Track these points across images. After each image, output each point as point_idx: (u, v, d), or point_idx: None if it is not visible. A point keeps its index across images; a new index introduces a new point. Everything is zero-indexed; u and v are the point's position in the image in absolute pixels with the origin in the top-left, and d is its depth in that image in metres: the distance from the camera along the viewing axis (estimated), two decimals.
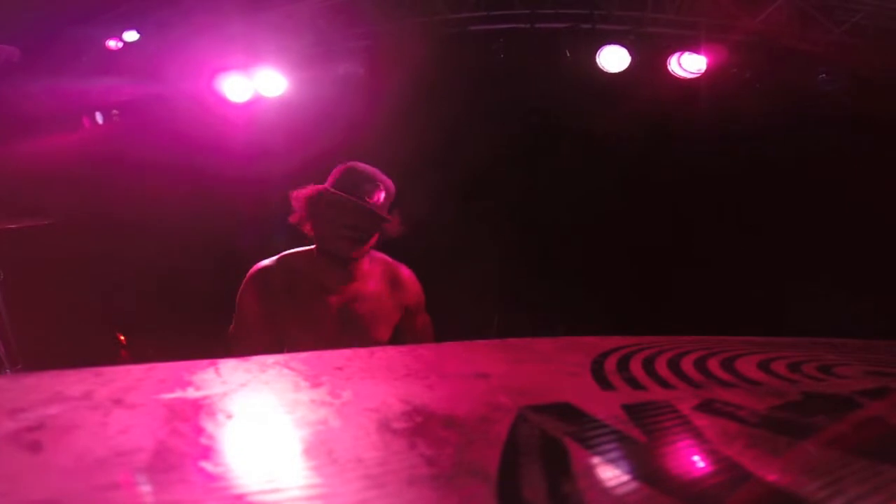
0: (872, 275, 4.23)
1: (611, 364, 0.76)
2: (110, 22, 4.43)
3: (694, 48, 4.40)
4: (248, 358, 0.74)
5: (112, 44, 4.48)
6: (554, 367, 0.79)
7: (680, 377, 0.73)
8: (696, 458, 0.53)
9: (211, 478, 0.44)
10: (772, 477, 0.48)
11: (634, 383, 0.70)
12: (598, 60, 4.50)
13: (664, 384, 0.70)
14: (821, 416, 0.63)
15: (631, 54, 4.46)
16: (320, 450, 0.49)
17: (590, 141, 4.84)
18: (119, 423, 0.52)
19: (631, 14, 4.54)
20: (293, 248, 1.98)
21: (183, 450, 0.48)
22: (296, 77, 4.54)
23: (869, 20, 4.30)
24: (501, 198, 5.12)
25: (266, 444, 0.52)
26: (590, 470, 0.48)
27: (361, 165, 1.93)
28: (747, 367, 0.80)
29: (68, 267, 4.25)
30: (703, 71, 4.42)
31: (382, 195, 1.87)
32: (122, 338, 4.58)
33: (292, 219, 1.94)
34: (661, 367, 0.76)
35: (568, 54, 4.59)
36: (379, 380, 0.70)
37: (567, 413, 0.59)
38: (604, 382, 0.70)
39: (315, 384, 0.65)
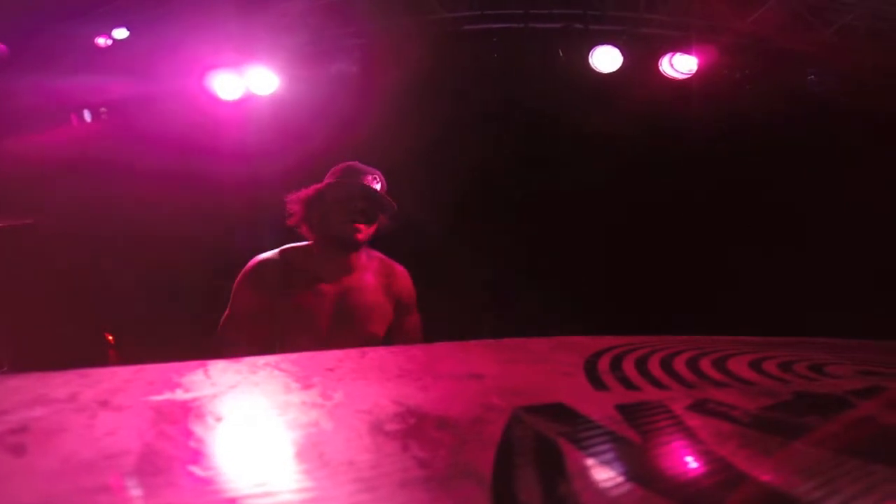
0: (866, 272, 4.27)
1: (604, 364, 0.76)
2: (100, 19, 4.39)
3: (685, 49, 4.42)
4: (239, 359, 0.73)
5: (101, 41, 4.43)
6: (547, 368, 0.79)
7: (673, 377, 0.73)
8: (690, 458, 0.53)
9: (199, 481, 0.43)
10: (766, 477, 0.48)
11: (628, 383, 0.70)
12: (590, 61, 4.51)
13: (657, 384, 0.70)
14: (813, 415, 0.63)
15: (623, 55, 4.48)
16: (311, 452, 0.48)
17: (583, 141, 4.86)
18: (105, 426, 0.52)
19: (624, 15, 4.55)
20: (291, 243, 2.01)
21: (171, 453, 0.47)
22: (288, 75, 4.51)
23: (859, 21, 4.34)
24: (494, 197, 5.13)
25: (256, 446, 0.51)
26: (584, 471, 0.48)
27: (357, 163, 1.99)
28: (739, 366, 0.80)
29: (55, 266, 4.20)
30: (694, 71, 4.44)
31: (379, 186, 1.94)
32: (111, 338, 4.53)
33: (291, 221, 1.97)
34: (654, 366, 0.76)
35: (561, 54, 4.60)
36: (371, 381, 0.69)
37: (561, 414, 0.58)
38: (597, 382, 0.69)
39: (306, 386, 0.64)
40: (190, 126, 4.51)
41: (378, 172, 1.97)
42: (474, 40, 4.64)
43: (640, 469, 0.49)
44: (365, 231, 1.89)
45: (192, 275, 4.33)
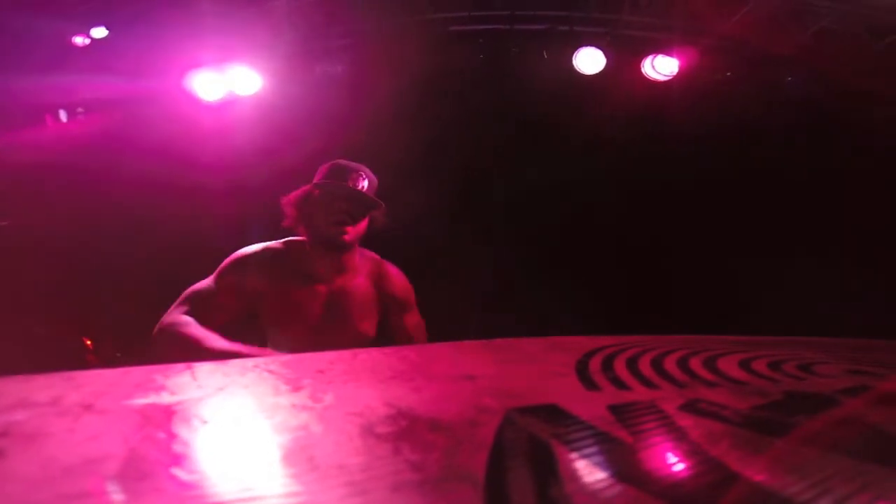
0: (854, 269, 4.34)
1: (595, 364, 0.76)
2: (78, 17, 4.31)
3: (667, 51, 4.48)
4: (227, 362, 0.72)
5: (79, 40, 4.36)
6: (540, 368, 0.79)
7: (664, 377, 0.73)
8: (682, 459, 0.53)
9: (185, 486, 0.42)
10: (758, 477, 0.48)
11: (619, 383, 0.69)
12: (574, 62, 4.54)
13: (649, 384, 0.70)
14: (804, 415, 0.63)
15: (606, 56, 4.51)
16: (300, 456, 0.47)
17: (567, 142, 4.88)
18: (88, 430, 0.50)
19: (607, 17, 4.59)
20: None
21: (155, 457, 0.46)
22: (272, 75, 4.47)
23: (835, 24, 4.42)
24: (480, 196, 5.13)
25: (243, 450, 0.50)
26: (577, 473, 0.48)
27: (343, 161, 1.98)
28: (729, 366, 0.81)
29: (29, 270, 4.11)
30: (675, 73, 4.49)
31: (366, 183, 1.93)
32: (89, 343, 4.46)
33: (285, 223, 1.97)
34: (645, 366, 0.76)
35: (545, 55, 4.62)
36: (362, 382, 0.68)
37: (554, 415, 0.58)
38: (589, 383, 0.69)
39: (296, 388, 0.63)
40: (170, 127, 4.45)
41: (364, 168, 1.97)
42: (460, 41, 4.65)
43: (633, 470, 0.49)
44: (352, 232, 1.89)
45: (173, 278, 4.27)
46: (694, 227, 4.90)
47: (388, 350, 0.85)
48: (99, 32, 4.39)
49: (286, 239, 1.97)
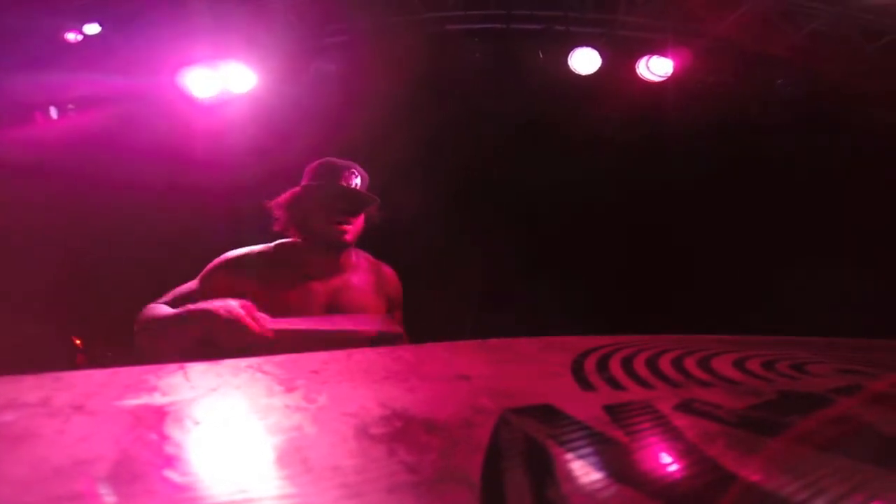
0: (851, 269, 4.37)
1: (590, 364, 0.76)
2: (71, 13, 4.28)
3: (662, 52, 4.49)
4: (219, 361, 0.71)
5: (71, 36, 4.32)
6: (535, 368, 0.78)
7: (659, 377, 0.73)
8: (678, 459, 0.52)
9: (177, 488, 0.42)
10: (754, 477, 0.48)
11: (614, 383, 0.69)
12: (569, 63, 4.55)
13: (644, 384, 0.70)
14: (799, 414, 0.63)
15: (602, 57, 4.52)
16: (294, 457, 0.47)
17: (561, 142, 4.90)
18: (79, 431, 0.50)
19: (603, 17, 4.60)
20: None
21: (147, 459, 0.46)
22: (266, 72, 4.45)
23: (828, 26, 4.45)
24: (476, 196, 5.14)
25: (236, 452, 0.50)
26: (573, 473, 0.47)
27: (332, 158, 1.95)
28: (723, 365, 0.81)
29: (19, 268, 4.07)
30: (669, 74, 4.51)
31: (358, 180, 1.90)
32: (79, 342, 4.42)
33: (276, 226, 1.92)
34: (640, 366, 0.76)
35: (541, 55, 4.63)
36: (357, 383, 0.68)
37: (549, 415, 0.58)
38: (584, 383, 0.69)
39: (289, 388, 0.63)
40: (163, 124, 4.42)
41: (356, 165, 1.93)
42: (456, 40, 4.65)
43: (629, 470, 0.49)
44: (351, 230, 1.86)
45: (164, 277, 4.24)
46: (689, 227, 4.93)
47: (382, 350, 0.84)
48: (92, 29, 4.35)
49: (277, 241, 1.92)
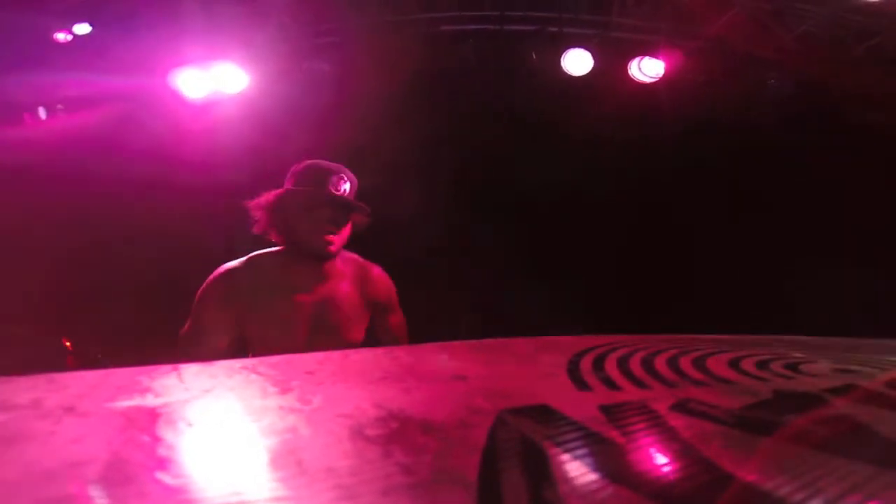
0: (846, 268, 4.40)
1: (586, 364, 0.76)
2: (60, 13, 4.24)
3: (654, 53, 4.52)
4: (213, 362, 0.71)
5: (61, 36, 4.29)
6: (531, 368, 0.78)
7: (654, 377, 0.73)
8: (675, 459, 0.52)
9: (170, 491, 0.41)
10: (751, 477, 0.48)
11: (610, 383, 0.69)
12: (562, 64, 4.56)
13: (639, 384, 0.70)
14: (795, 414, 0.63)
15: (594, 58, 4.54)
16: (289, 459, 0.46)
17: (554, 143, 4.91)
18: (70, 433, 0.49)
19: (596, 18, 4.62)
20: (256, 250, 1.91)
21: (139, 461, 0.45)
22: (258, 73, 4.43)
23: (818, 28, 4.49)
24: (470, 196, 5.14)
25: (230, 454, 0.49)
26: (570, 474, 0.47)
27: (319, 161, 1.88)
28: (718, 365, 0.81)
29: (7, 269, 4.03)
30: (661, 75, 4.54)
31: (347, 186, 1.84)
32: (69, 344, 4.38)
33: (256, 228, 1.87)
34: (636, 366, 0.76)
35: (534, 56, 4.64)
36: (352, 384, 0.67)
37: (546, 415, 0.57)
38: (580, 383, 0.69)
39: (284, 390, 0.62)
40: (154, 125, 4.40)
41: (345, 169, 1.87)
42: (450, 41, 4.65)
43: (626, 471, 0.49)
44: (337, 240, 1.81)
45: (155, 278, 4.22)
46: (683, 226, 4.95)
47: (377, 351, 0.84)
48: (82, 29, 4.32)
49: (257, 253, 1.87)
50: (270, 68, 4.50)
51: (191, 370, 0.68)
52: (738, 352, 0.89)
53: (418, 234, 4.52)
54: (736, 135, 4.86)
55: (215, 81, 4.32)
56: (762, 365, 0.83)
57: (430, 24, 4.60)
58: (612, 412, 0.59)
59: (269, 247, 1.92)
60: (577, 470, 0.48)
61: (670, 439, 0.55)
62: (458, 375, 0.71)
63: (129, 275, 4.45)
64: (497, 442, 0.50)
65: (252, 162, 3.94)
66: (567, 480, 0.46)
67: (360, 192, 1.92)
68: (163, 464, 0.45)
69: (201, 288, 1.78)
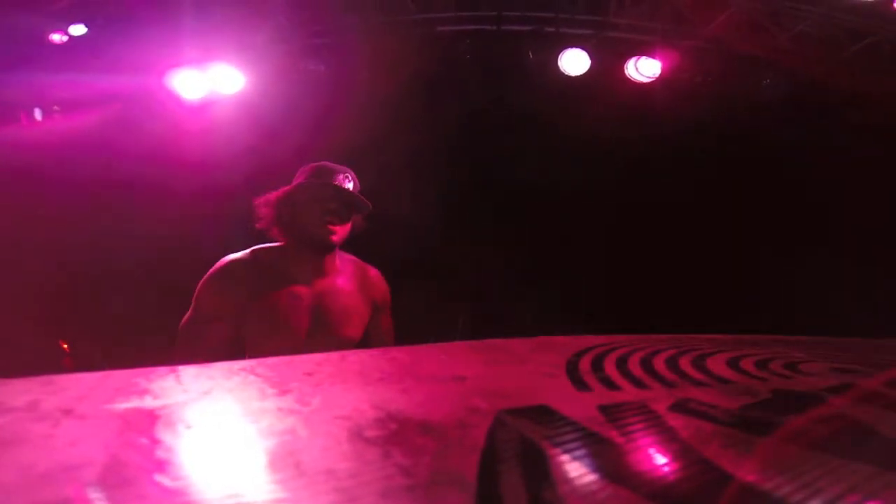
0: (838, 266, 4.42)
1: (585, 364, 0.76)
2: (56, 14, 4.22)
3: (650, 53, 4.53)
4: (211, 364, 0.71)
5: (56, 37, 4.27)
6: (530, 369, 0.78)
7: (653, 376, 0.73)
8: (674, 459, 0.52)
9: (168, 493, 0.41)
10: (751, 478, 0.48)
11: (609, 383, 0.69)
12: (559, 63, 4.57)
13: (638, 384, 0.70)
14: (793, 414, 0.63)
15: (591, 58, 4.55)
16: (287, 461, 0.46)
17: (551, 142, 4.91)
18: (68, 435, 0.49)
19: (593, 18, 4.63)
20: (262, 244, 1.94)
21: (138, 463, 0.45)
22: (255, 73, 4.42)
23: (813, 28, 4.51)
24: (466, 196, 5.14)
25: (229, 455, 0.49)
26: (569, 475, 0.47)
27: (327, 162, 1.94)
28: (717, 365, 0.81)
29: (3, 271, 4.01)
30: (657, 75, 4.55)
31: (351, 185, 1.89)
32: (66, 346, 4.36)
33: (260, 225, 1.90)
34: (635, 366, 0.76)
35: (531, 56, 4.65)
36: (351, 385, 0.67)
37: (545, 416, 0.57)
38: (579, 383, 0.69)
39: (282, 391, 0.62)
40: (150, 127, 4.39)
41: (350, 171, 1.92)
42: (447, 41, 4.65)
43: (625, 471, 0.49)
44: (339, 232, 1.85)
45: (152, 279, 4.21)
46: (680, 226, 4.96)
47: (376, 352, 0.84)
48: (78, 30, 4.31)
49: (257, 247, 1.89)
50: (267, 69, 4.49)
51: (189, 372, 0.68)
52: (737, 351, 0.89)
53: (414, 234, 4.52)
54: (732, 135, 4.88)
55: (212, 82, 4.31)
56: (761, 365, 0.83)
57: (426, 25, 4.60)
58: (611, 412, 0.59)
59: (270, 243, 1.94)
60: (577, 470, 0.48)
61: (669, 439, 0.55)
62: (457, 376, 0.71)
63: (126, 275, 4.44)
64: (496, 442, 0.50)
65: (249, 163, 3.94)
66: (566, 481, 0.46)
67: (360, 193, 1.94)
68: (161, 466, 0.45)
69: (203, 277, 1.81)
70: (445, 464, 0.47)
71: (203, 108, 4.42)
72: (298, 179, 1.92)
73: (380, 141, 4.21)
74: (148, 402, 0.57)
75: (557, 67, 4.60)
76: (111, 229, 4.42)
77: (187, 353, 1.69)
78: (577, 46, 4.57)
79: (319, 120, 4.30)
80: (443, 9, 4.59)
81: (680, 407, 0.62)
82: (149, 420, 0.53)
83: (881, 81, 4.51)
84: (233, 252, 1.88)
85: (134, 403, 0.57)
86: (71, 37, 4.31)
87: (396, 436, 0.51)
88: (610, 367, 0.75)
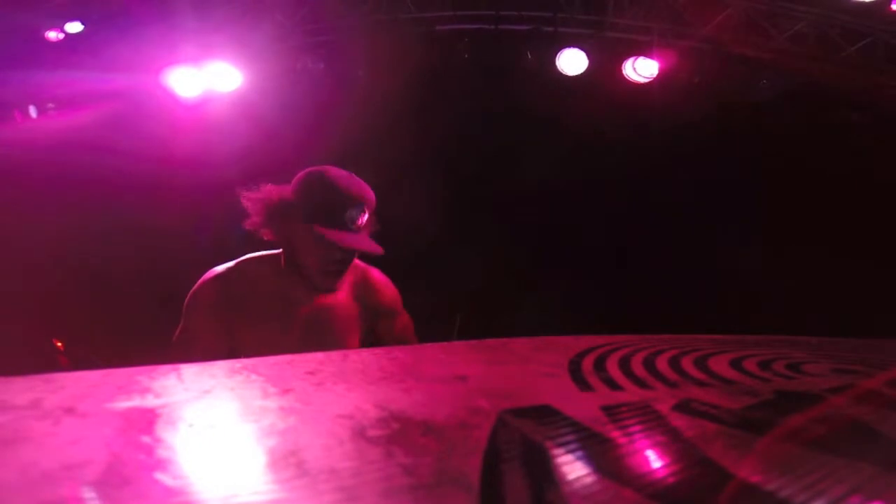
0: (836, 265, 4.43)
1: (588, 364, 0.76)
2: (52, 12, 4.20)
3: (648, 53, 4.53)
4: (214, 363, 0.70)
5: (52, 35, 4.25)
6: (532, 368, 0.78)
7: (656, 377, 0.73)
8: (677, 460, 0.52)
9: (169, 492, 0.41)
10: (754, 478, 0.48)
11: (612, 384, 0.69)
12: (557, 63, 4.57)
13: (641, 384, 0.70)
14: (795, 414, 0.63)
15: (589, 58, 4.55)
16: (289, 461, 0.46)
17: (551, 142, 4.92)
18: (69, 434, 0.49)
19: (591, 18, 4.63)
20: (250, 249, 1.81)
21: (139, 462, 0.45)
22: (252, 71, 4.40)
23: (810, 29, 4.52)
24: (464, 195, 5.14)
25: (230, 455, 0.49)
26: (572, 475, 0.47)
27: (335, 174, 1.68)
28: (720, 365, 0.81)
29: None
30: (655, 76, 4.55)
31: (366, 217, 1.68)
32: (60, 344, 4.34)
33: (248, 224, 1.73)
34: (637, 366, 0.76)
35: (529, 56, 4.65)
36: (353, 384, 0.67)
37: (547, 416, 0.57)
38: (582, 383, 0.69)
39: (284, 390, 0.62)
40: (147, 124, 4.36)
41: (364, 192, 1.68)
42: (445, 40, 4.65)
43: (628, 472, 0.48)
44: (342, 278, 1.70)
45: (147, 278, 4.20)
46: (679, 226, 4.96)
47: (378, 351, 0.84)
48: (74, 27, 4.29)
49: (243, 259, 1.76)
50: (264, 67, 4.47)
51: (191, 370, 0.68)
52: (740, 352, 0.89)
53: (413, 233, 4.51)
54: (730, 135, 4.89)
55: (209, 80, 4.29)
56: (764, 365, 0.83)
57: (424, 24, 4.60)
58: (614, 413, 0.59)
59: (262, 245, 1.81)
60: (580, 471, 0.48)
61: (672, 440, 0.55)
62: (459, 376, 0.71)
63: (121, 274, 4.43)
64: (498, 443, 0.50)
65: (246, 161, 3.92)
66: (570, 481, 0.46)
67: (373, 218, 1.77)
68: (162, 465, 0.45)
69: (190, 293, 1.71)
70: (448, 464, 0.46)
71: (200, 106, 4.41)
72: (298, 194, 1.69)
73: (377, 139, 4.20)
74: (149, 401, 0.57)
75: (555, 67, 4.60)
76: (106, 227, 4.40)
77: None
78: (574, 46, 4.57)
79: (317, 118, 4.29)
80: (441, 8, 4.59)
81: (683, 407, 0.62)
82: (150, 419, 0.53)
83: (878, 82, 4.53)
84: (228, 253, 1.78)
85: (135, 402, 0.56)
86: (67, 34, 4.29)
87: (398, 435, 0.51)
88: (612, 368, 0.75)
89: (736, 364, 0.81)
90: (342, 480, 0.43)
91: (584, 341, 0.87)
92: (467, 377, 0.70)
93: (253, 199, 1.71)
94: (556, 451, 0.50)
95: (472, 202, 5.21)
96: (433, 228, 4.77)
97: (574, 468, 0.48)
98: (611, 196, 5.15)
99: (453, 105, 4.87)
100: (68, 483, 0.41)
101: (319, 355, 0.76)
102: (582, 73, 4.59)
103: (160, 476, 0.43)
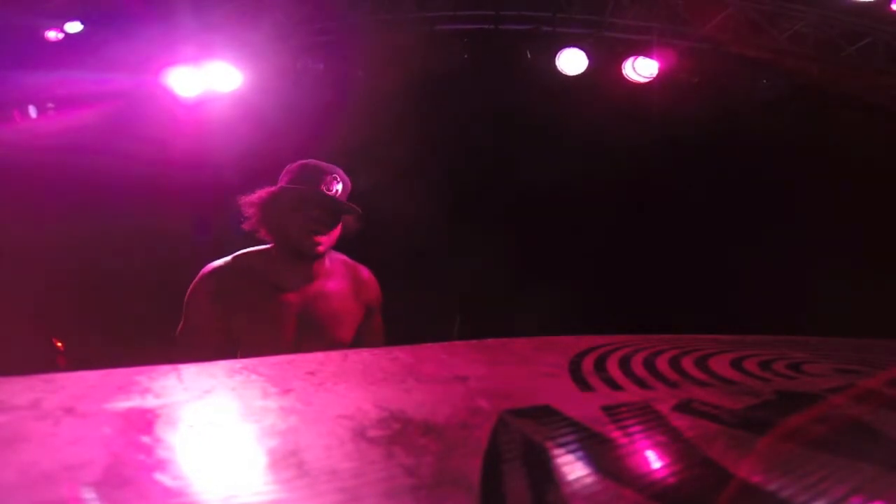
0: (836, 267, 4.43)
1: (588, 364, 0.76)
2: (51, 11, 4.19)
3: (648, 53, 4.53)
4: (214, 363, 0.70)
5: (52, 34, 4.24)
6: (532, 369, 0.78)
7: (656, 377, 0.73)
8: (678, 460, 0.52)
9: (169, 493, 0.41)
10: (755, 478, 0.47)
11: (612, 384, 0.69)
12: (557, 63, 4.57)
13: (642, 384, 0.70)
14: (796, 414, 0.63)
15: (589, 58, 4.55)
16: (290, 461, 0.46)
17: (550, 142, 4.92)
18: (69, 434, 0.49)
19: (591, 18, 4.63)
20: (247, 248, 1.88)
21: (138, 462, 0.45)
22: (252, 71, 4.40)
23: (810, 29, 4.52)
24: (464, 196, 5.14)
25: (230, 455, 0.49)
26: (573, 476, 0.47)
27: (314, 161, 1.86)
28: (720, 365, 0.81)
29: None
30: (655, 75, 4.55)
31: (340, 187, 1.81)
32: (59, 344, 4.33)
33: (246, 225, 1.84)
34: (638, 366, 0.76)
35: (529, 56, 4.65)
36: (353, 385, 0.67)
37: (548, 416, 0.57)
38: (582, 383, 0.69)
39: (284, 390, 0.62)
40: (146, 124, 4.36)
41: (339, 171, 1.84)
42: (445, 40, 4.65)
43: (629, 472, 0.48)
44: (325, 242, 1.78)
45: (146, 278, 4.19)
46: (678, 226, 4.96)
47: (378, 351, 0.83)
48: (73, 27, 4.28)
49: (239, 253, 1.84)
50: (264, 67, 4.47)
51: (190, 370, 0.68)
52: (741, 352, 0.89)
53: (412, 233, 4.52)
54: (729, 135, 4.89)
55: (208, 80, 4.28)
56: (764, 365, 0.83)
57: (424, 23, 4.60)
58: (614, 413, 0.59)
59: (259, 245, 1.89)
60: (581, 471, 0.48)
61: (673, 440, 0.55)
62: (459, 376, 0.70)
63: (121, 273, 4.42)
64: (499, 443, 0.50)
65: (245, 161, 3.92)
66: (570, 482, 0.45)
67: (353, 193, 1.88)
68: (162, 465, 0.44)
69: (189, 288, 1.78)
70: (449, 464, 0.46)
71: (200, 106, 4.40)
72: (283, 181, 1.84)
73: (377, 139, 4.20)
74: (149, 401, 0.57)
75: (555, 67, 4.60)
76: (106, 227, 4.39)
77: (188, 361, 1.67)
78: (574, 46, 4.57)
79: (317, 118, 4.28)
80: (441, 7, 4.59)
81: (683, 407, 0.62)
82: (150, 419, 0.53)
83: (878, 82, 4.53)
84: (226, 252, 1.85)
85: (135, 402, 0.56)
86: (67, 34, 4.28)
87: (399, 436, 0.51)
88: (613, 368, 0.75)
89: (736, 364, 0.81)
90: (343, 481, 0.43)
91: (585, 341, 0.87)
92: (468, 377, 0.70)
93: (248, 202, 1.82)
94: (557, 452, 0.50)
95: (472, 202, 5.20)
96: (433, 228, 4.77)
97: (574, 468, 0.48)
98: (611, 196, 5.14)
99: (453, 105, 4.87)
100: (68, 483, 0.41)
101: (320, 355, 0.76)
102: (582, 73, 4.59)
103: (160, 476, 0.43)
